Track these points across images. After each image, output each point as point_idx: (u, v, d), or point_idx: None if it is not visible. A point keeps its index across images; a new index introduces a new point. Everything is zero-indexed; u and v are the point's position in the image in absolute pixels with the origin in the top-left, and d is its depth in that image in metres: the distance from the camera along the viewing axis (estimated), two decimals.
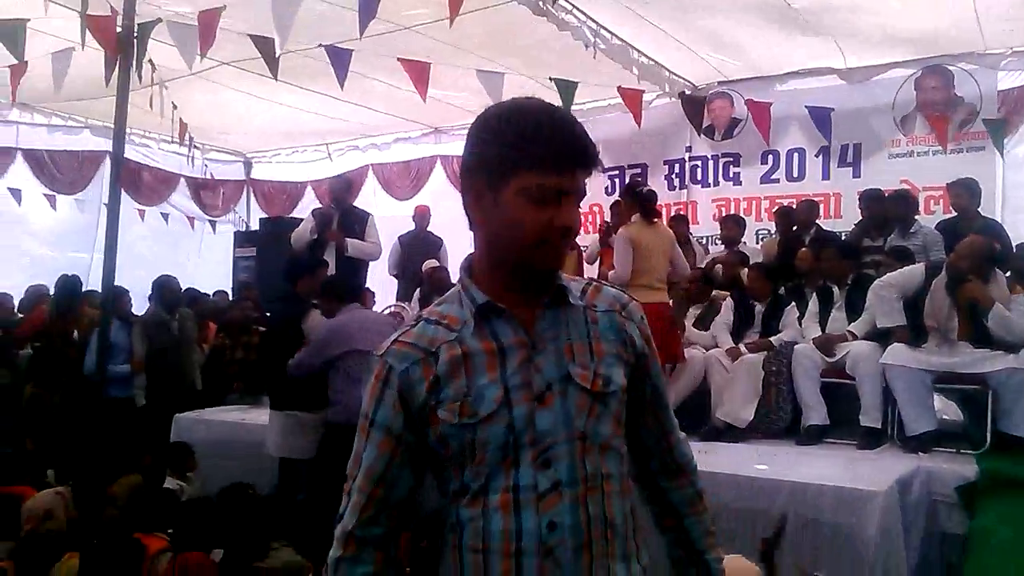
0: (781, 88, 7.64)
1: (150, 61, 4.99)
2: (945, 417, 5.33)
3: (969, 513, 3.93)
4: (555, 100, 5.60)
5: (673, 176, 8.39)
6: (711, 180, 8.15)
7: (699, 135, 8.04)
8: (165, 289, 6.26)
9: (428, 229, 8.34)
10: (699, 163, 8.23)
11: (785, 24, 6.39)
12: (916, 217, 6.13)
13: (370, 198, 9.93)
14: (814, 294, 5.42)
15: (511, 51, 6.57)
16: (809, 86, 7.51)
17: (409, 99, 7.90)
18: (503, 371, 1.32)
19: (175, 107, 7.01)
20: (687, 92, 7.97)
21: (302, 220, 6.77)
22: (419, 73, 5.35)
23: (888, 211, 6.12)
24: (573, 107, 7.73)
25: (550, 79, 5.54)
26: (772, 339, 5.25)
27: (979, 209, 6.01)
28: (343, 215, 6.47)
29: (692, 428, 5.23)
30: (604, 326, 1.41)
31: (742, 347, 5.23)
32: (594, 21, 6.12)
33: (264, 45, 5.00)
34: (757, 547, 3.05)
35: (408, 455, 1.35)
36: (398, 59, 5.38)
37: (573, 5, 5.86)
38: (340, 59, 5.11)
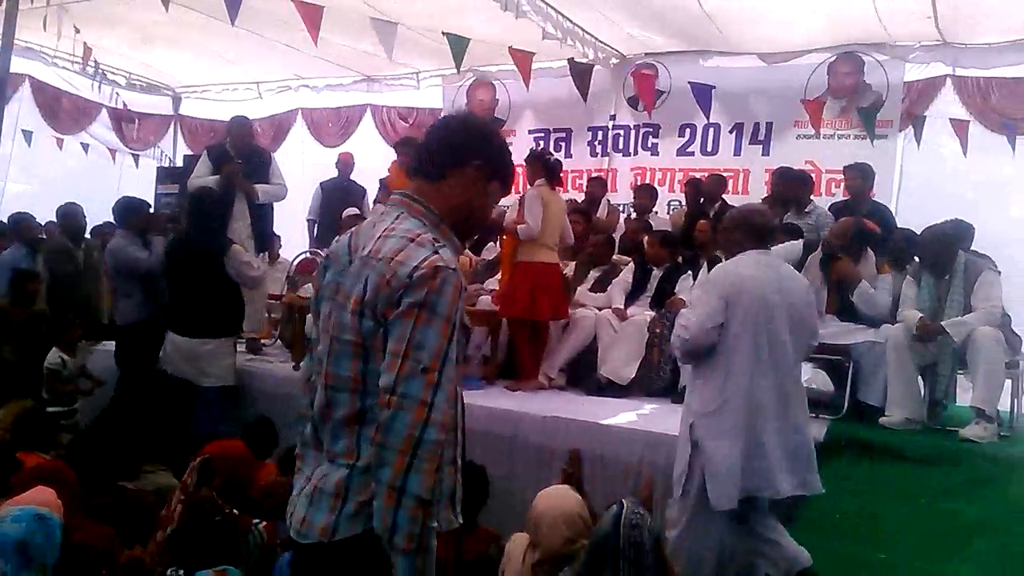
0: (705, 64, 7.83)
1: None
2: (814, 386, 5.69)
3: None
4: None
5: (596, 143, 8.56)
6: (631, 149, 8.34)
7: (627, 105, 8.24)
8: (69, 218, 6.22)
9: (351, 177, 8.37)
10: (621, 132, 8.41)
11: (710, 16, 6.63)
12: (813, 198, 6.41)
13: (297, 144, 9.88)
14: (705, 264, 5.67)
15: (439, 9, 6.65)
16: (730, 64, 7.71)
17: (342, 47, 7.95)
18: None
19: (77, 31, 6.89)
20: (615, 61, 8.13)
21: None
22: (311, 16, 5.35)
23: (793, 190, 6.38)
24: (502, 67, 7.87)
25: (442, 33, 5.61)
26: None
27: (872, 193, 6.34)
28: (244, 157, 6.34)
29: (578, 383, 5.49)
30: None
31: (630, 310, 5.46)
32: None
33: None
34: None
35: None
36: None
37: None
38: None
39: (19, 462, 3.77)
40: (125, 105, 10.27)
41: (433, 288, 1.64)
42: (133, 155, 10.56)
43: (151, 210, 6.18)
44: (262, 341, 6.43)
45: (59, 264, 6.20)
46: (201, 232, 5.19)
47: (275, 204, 6.71)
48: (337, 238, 1.95)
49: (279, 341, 6.54)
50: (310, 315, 2.03)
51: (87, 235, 6.86)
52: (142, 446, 3.79)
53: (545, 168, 5.48)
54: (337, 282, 1.80)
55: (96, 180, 9.66)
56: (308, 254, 7.68)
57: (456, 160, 1.83)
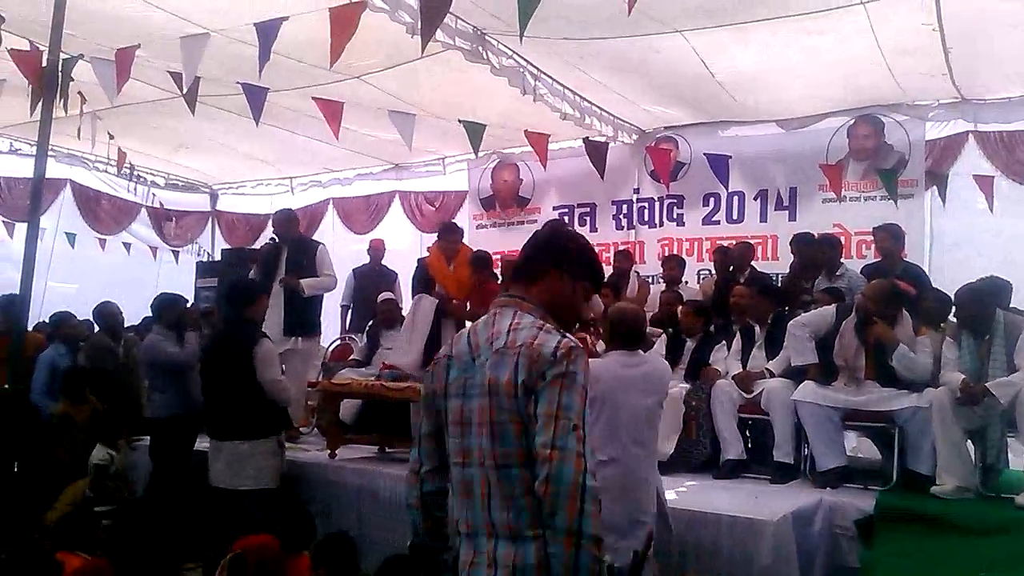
0: (724, 134, 7.95)
1: (79, 93, 5.18)
2: (860, 455, 5.55)
3: (866, 546, 4.10)
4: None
5: (621, 216, 8.66)
6: (657, 221, 8.42)
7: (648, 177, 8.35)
8: (106, 315, 6.38)
9: (383, 262, 8.52)
10: (646, 204, 8.51)
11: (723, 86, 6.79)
12: (843, 261, 6.37)
13: (328, 231, 10.13)
14: (738, 332, 5.62)
15: (459, 97, 6.86)
16: (749, 133, 7.82)
17: (368, 137, 8.23)
18: None
19: (111, 136, 7.19)
20: (635, 136, 8.30)
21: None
22: (333, 112, 5.55)
23: (816, 255, 6.35)
24: (524, 148, 8.04)
25: (459, 120, 5.80)
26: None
27: (904, 253, 6.28)
28: (291, 247, 6.45)
29: None
30: None
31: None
32: (534, 67, 6.41)
33: (184, 83, 5.23)
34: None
35: None
36: (312, 98, 5.61)
37: (513, 51, 6.13)
38: (255, 97, 5.29)
39: (59, 564, 3.79)
40: (162, 204, 10.65)
41: (571, 361, 1.92)
42: (173, 251, 10.87)
43: (188, 305, 6.31)
44: (300, 429, 6.45)
45: (99, 361, 6.34)
46: (231, 325, 5.12)
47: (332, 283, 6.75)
48: (448, 343, 2.17)
49: (316, 429, 6.56)
50: (421, 412, 2.20)
51: (128, 331, 7.04)
52: (179, 544, 3.78)
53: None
54: (464, 378, 2.02)
55: (137, 277, 9.93)
56: (341, 340, 7.80)
57: (543, 267, 2.15)
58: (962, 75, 6.44)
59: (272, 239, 6.60)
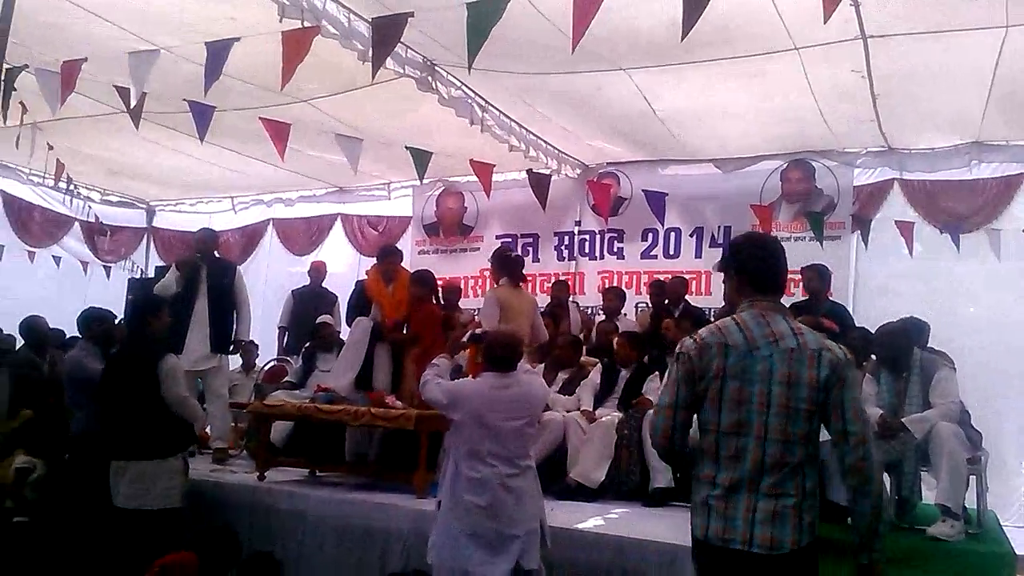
0: (663, 172, 8.18)
1: (21, 103, 5.09)
2: None
3: None
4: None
5: (563, 247, 8.80)
6: (597, 253, 8.59)
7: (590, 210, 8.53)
8: (32, 329, 6.19)
9: (323, 285, 8.47)
10: (587, 236, 8.67)
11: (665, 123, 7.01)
12: None
13: (266, 252, 10.04)
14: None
15: (403, 124, 6.95)
16: (687, 172, 8.07)
17: (313, 159, 8.22)
18: None
19: (50, 147, 7.06)
20: (578, 171, 8.48)
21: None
22: (279, 133, 5.56)
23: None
24: (470, 178, 8.12)
25: (406, 147, 5.87)
26: None
27: (830, 293, 6.52)
28: (211, 266, 6.49)
29: (547, 486, 5.42)
30: None
31: (598, 411, 5.49)
32: (482, 98, 6.52)
33: (127, 96, 5.20)
34: None
35: None
36: (260, 118, 5.61)
37: (462, 83, 6.23)
38: (202, 115, 5.28)
39: None
40: (97, 218, 10.39)
41: (853, 365, 2.54)
42: (105, 267, 10.59)
43: (116, 321, 6.16)
44: (229, 451, 6.33)
45: (24, 376, 6.12)
46: (134, 340, 4.94)
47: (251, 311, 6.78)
48: (716, 330, 2.54)
49: (244, 451, 6.44)
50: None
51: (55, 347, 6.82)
52: (93, 566, 3.66)
53: (506, 267, 5.59)
54: (743, 364, 2.46)
55: (66, 293, 9.65)
56: (276, 362, 7.69)
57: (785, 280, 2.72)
58: (889, 123, 6.76)
59: (198, 255, 6.56)
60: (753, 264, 2.64)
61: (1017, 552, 4.22)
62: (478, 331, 5.23)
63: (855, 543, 2.53)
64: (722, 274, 2.82)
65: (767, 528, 2.40)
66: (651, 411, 5.24)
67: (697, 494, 2.55)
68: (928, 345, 5.20)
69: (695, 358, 2.50)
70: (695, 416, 2.54)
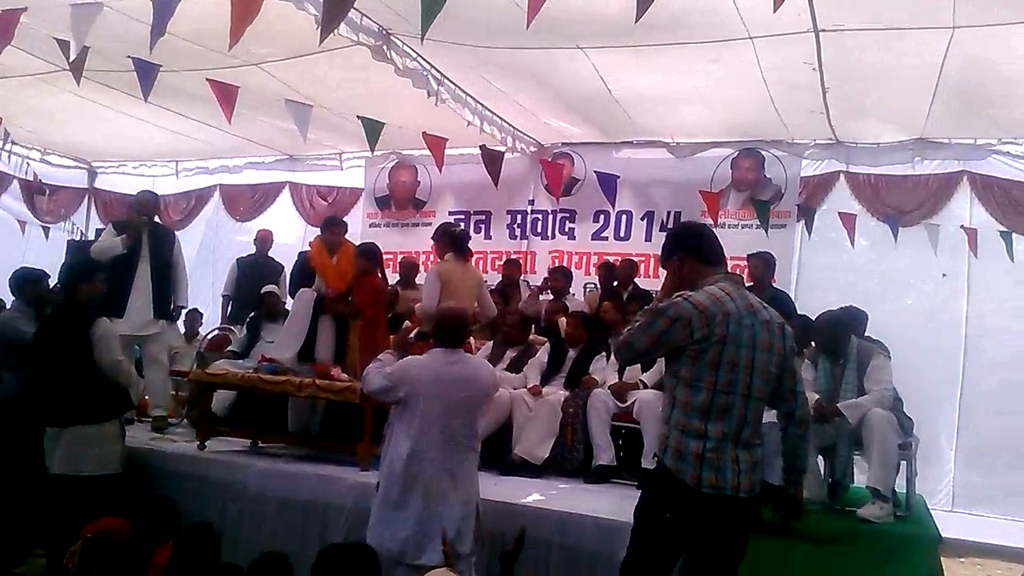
0: (617, 155, 8.23)
1: None
2: None
3: None
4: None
5: (515, 225, 8.80)
6: (549, 233, 8.61)
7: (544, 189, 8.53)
8: None
9: (269, 254, 8.33)
10: (540, 216, 8.68)
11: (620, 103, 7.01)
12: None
13: (211, 217, 9.82)
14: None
15: (358, 94, 6.82)
16: (641, 155, 8.13)
17: (262, 125, 8.03)
18: None
19: None
20: (532, 149, 8.46)
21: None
22: (227, 96, 5.39)
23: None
24: (424, 151, 8.05)
25: (357, 116, 5.78)
26: None
27: (774, 280, 6.66)
28: (152, 231, 6.37)
29: (491, 462, 5.46)
30: None
31: (544, 389, 5.53)
32: (438, 71, 6.44)
33: (68, 50, 4.99)
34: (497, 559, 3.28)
35: None
36: (207, 79, 5.44)
37: (418, 54, 6.15)
38: (146, 73, 5.07)
39: None
40: (36, 176, 10.02)
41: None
42: (43, 227, 10.23)
43: (52, 283, 5.97)
44: (169, 420, 6.22)
45: None
46: (67, 305, 4.82)
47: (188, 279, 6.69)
48: (708, 300, 2.74)
49: (185, 420, 6.33)
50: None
51: None
52: (26, 531, 3.57)
53: (452, 242, 5.56)
54: (737, 332, 2.74)
55: (3, 253, 9.31)
56: (219, 330, 7.55)
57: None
58: (838, 116, 6.90)
59: (143, 218, 6.40)
60: (699, 243, 2.97)
61: (943, 535, 4.41)
62: (417, 305, 5.22)
63: (786, 480, 3.15)
64: (670, 266, 2.96)
65: (749, 475, 2.78)
66: (597, 390, 5.37)
67: (685, 446, 2.78)
68: (865, 334, 5.37)
69: (695, 323, 2.72)
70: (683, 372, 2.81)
